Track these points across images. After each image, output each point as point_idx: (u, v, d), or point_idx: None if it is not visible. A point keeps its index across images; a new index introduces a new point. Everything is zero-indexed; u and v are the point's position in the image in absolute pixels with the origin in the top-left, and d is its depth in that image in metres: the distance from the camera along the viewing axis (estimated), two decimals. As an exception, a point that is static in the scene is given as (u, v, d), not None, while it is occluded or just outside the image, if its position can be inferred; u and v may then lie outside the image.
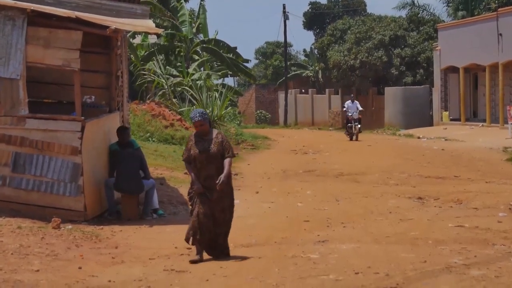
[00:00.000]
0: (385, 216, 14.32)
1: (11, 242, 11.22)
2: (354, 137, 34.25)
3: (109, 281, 9.27)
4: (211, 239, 10.51)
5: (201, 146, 10.50)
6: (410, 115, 44.47)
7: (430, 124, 44.12)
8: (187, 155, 10.61)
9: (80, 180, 13.60)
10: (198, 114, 10.60)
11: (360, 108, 35.28)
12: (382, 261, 9.92)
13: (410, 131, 40.37)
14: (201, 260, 10.35)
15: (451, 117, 42.67)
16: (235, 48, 46.23)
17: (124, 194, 14.51)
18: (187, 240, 10.53)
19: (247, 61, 48.50)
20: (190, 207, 10.69)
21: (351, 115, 34.73)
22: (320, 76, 57.36)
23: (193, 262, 10.28)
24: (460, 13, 48.21)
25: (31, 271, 9.60)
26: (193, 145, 10.57)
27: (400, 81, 47.11)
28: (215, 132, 10.71)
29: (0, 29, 13.60)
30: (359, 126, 34.50)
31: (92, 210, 13.94)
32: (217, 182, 10.33)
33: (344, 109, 35.87)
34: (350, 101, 35.85)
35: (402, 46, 47.78)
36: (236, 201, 16.60)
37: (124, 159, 14.50)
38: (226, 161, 10.48)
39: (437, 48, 43.56)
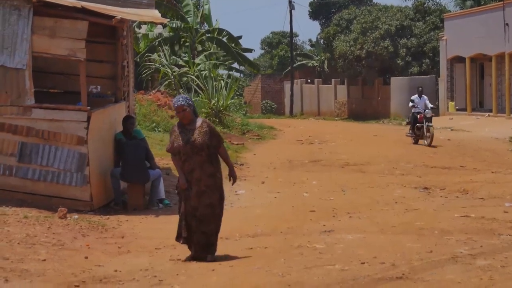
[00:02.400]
0: (391, 206, 14.32)
1: (18, 231, 11.25)
2: (427, 142, 26.55)
3: (115, 270, 9.29)
4: (198, 240, 9.74)
5: (184, 136, 9.69)
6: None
7: (436, 114, 43.97)
8: (170, 147, 9.86)
9: (86, 170, 13.63)
10: (181, 99, 9.85)
11: (431, 105, 28.11)
12: (388, 251, 9.92)
13: (416, 121, 40.27)
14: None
15: (457, 107, 42.59)
16: (240, 37, 46.20)
17: (130, 184, 14.52)
18: (177, 239, 9.96)
19: (250, 50, 48.44)
20: (179, 203, 9.99)
21: (422, 113, 27.17)
22: (325, 66, 57.24)
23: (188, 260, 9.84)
24: (468, 3, 48.08)
25: (37, 261, 9.62)
26: (177, 136, 9.76)
27: (406, 71, 47.00)
28: (199, 121, 9.85)
29: (6, 19, 13.61)
30: (432, 127, 26.95)
31: (98, 200, 13.96)
32: (230, 181, 10.07)
33: (411, 105, 28.14)
34: (416, 95, 28.51)
35: (408, 36, 47.66)
36: (241, 191, 16.79)
37: (130, 148, 14.51)
38: (223, 152, 9.96)
39: (443, 38, 43.46)
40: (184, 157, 9.69)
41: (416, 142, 27.28)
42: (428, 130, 26.51)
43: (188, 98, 9.91)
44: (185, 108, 9.71)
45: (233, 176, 10.03)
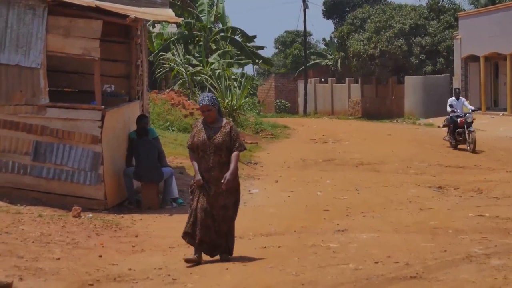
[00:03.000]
0: (405, 205, 14.29)
1: (32, 230, 11.30)
2: (470, 148, 24.20)
3: (129, 269, 9.31)
4: (211, 238, 9.56)
5: (206, 134, 9.55)
6: (430, 104, 44.23)
7: (451, 113, 43.89)
8: (190, 142, 9.68)
9: (101, 169, 13.66)
10: (206, 98, 9.64)
11: (471, 107, 25.84)
12: (402, 250, 9.90)
13: (430, 120, 40.17)
14: (198, 261, 9.56)
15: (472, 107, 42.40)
16: (254, 37, 46.20)
17: (144, 183, 14.55)
18: (183, 237, 9.74)
19: (262, 48, 48.46)
20: (191, 201, 9.75)
21: (462, 118, 24.87)
22: (338, 65, 57.18)
23: (188, 261, 9.55)
24: (482, 1, 47.88)
25: (52, 259, 9.66)
26: (198, 132, 9.64)
27: (420, 70, 46.86)
28: (223, 121, 9.72)
29: (20, 18, 13.67)
30: (474, 132, 24.55)
31: (112, 199, 14.00)
32: (222, 181, 9.40)
33: (450, 110, 25.55)
34: (453, 97, 26.09)
35: (423, 35, 47.52)
36: (255, 190, 16.79)
37: (143, 148, 14.53)
38: (233, 156, 9.54)
39: (457, 36, 43.30)
40: (202, 154, 9.54)
41: (455, 148, 25.09)
42: (470, 135, 24.33)
43: (214, 97, 9.74)
44: (210, 108, 9.57)
45: (228, 179, 9.42)
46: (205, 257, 9.68)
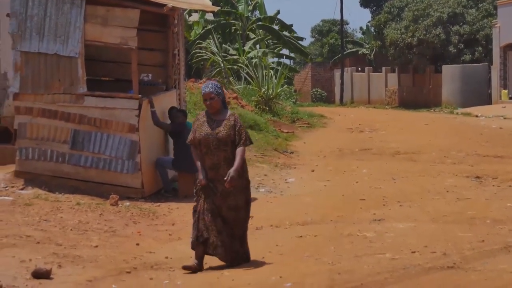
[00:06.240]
0: (442, 195, 14.20)
1: (71, 218, 11.42)
2: None
3: (166, 257, 9.37)
4: (224, 242, 8.69)
5: (208, 127, 8.74)
6: (468, 93, 43.87)
7: (489, 102, 43.45)
8: (192, 137, 8.86)
9: (138, 158, 13.73)
10: (210, 85, 8.84)
11: None
12: (439, 240, 9.85)
13: (468, 110, 39.83)
14: (198, 268, 8.70)
15: (510, 96, 41.99)
16: (291, 25, 46.14)
17: (181, 172, 14.58)
18: (192, 247, 8.81)
19: (301, 39, 48.34)
20: (195, 204, 8.91)
21: None
22: (372, 54, 56.85)
23: (186, 268, 8.69)
24: (521, -11, 47.29)
25: (90, 247, 9.75)
26: (200, 125, 8.82)
27: (458, 59, 46.44)
28: (228, 113, 8.86)
29: (59, 8, 13.77)
30: None
31: (149, 187, 14.06)
32: (225, 178, 8.60)
33: None
34: None
35: (461, 24, 47.07)
36: (291, 179, 16.78)
37: (183, 138, 14.54)
38: (238, 151, 8.72)
39: (496, 25, 42.85)
40: (205, 150, 8.74)
41: None
42: None
43: (218, 85, 8.97)
44: (213, 96, 8.76)
45: (232, 176, 8.59)
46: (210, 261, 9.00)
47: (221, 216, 8.71)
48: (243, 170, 8.79)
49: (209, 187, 8.70)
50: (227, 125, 8.74)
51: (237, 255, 8.82)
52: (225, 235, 8.69)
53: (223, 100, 8.88)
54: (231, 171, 8.59)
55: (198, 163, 8.77)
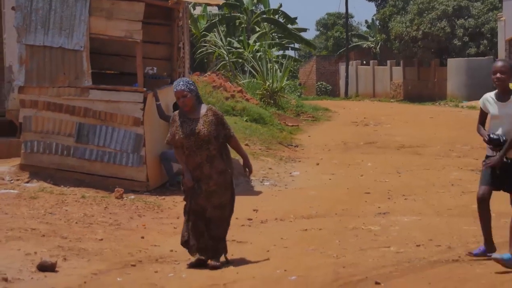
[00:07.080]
0: (447, 188, 14.19)
1: (76, 211, 11.44)
2: None
3: (171, 250, 9.37)
4: (206, 244, 8.54)
5: (187, 128, 8.37)
6: (473, 86, 43.76)
7: (494, 96, 43.38)
8: (171, 139, 8.54)
9: (143, 151, 13.73)
10: (181, 83, 8.45)
11: None
12: (444, 233, 9.85)
13: (473, 103, 39.68)
14: (201, 261, 8.56)
15: (515, 89, 41.91)
16: (295, 18, 46.10)
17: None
18: (182, 245, 8.75)
19: (304, 30, 48.27)
20: (185, 202, 8.75)
21: None
22: (377, 48, 56.74)
23: (190, 266, 8.60)
24: (527, -18, 47.18)
25: (95, 240, 9.76)
26: (178, 127, 8.42)
27: (463, 52, 46.35)
28: (204, 108, 8.48)
29: (64, 1, 13.77)
30: None
31: (154, 181, 14.07)
32: (246, 170, 8.71)
33: None
34: None
35: (466, 17, 46.97)
36: (296, 173, 16.78)
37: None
38: (234, 143, 8.62)
39: (501, 18, 42.74)
40: (188, 151, 8.42)
41: None
42: None
43: (190, 81, 8.56)
44: (186, 94, 8.36)
45: (248, 167, 8.71)
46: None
47: (205, 218, 8.52)
48: (228, 164, 8.55)
49: (193, 188, 8.49)
50: (206, 121, 8.40)
51: (215, 255, 8.57)
52: (206, 238, 8.52)
53: (197, 96, 8.53)
54: (247, 164, 8.67)
55: (183, 164, 8.53)
